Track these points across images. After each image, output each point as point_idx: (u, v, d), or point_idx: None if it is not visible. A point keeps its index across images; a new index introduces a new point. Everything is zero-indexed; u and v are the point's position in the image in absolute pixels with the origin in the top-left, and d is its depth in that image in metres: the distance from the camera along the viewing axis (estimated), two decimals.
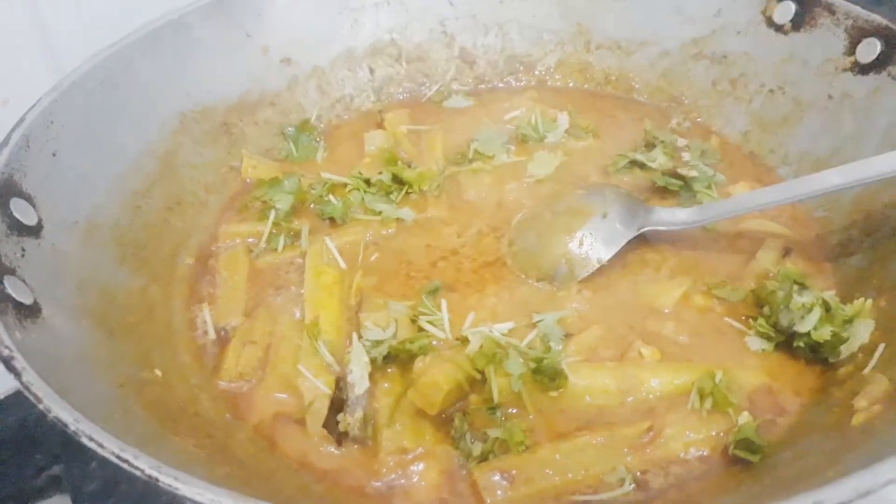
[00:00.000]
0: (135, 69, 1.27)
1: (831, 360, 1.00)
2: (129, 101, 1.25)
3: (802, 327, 1.00)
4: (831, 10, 1.29)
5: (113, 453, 0.64)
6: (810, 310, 1.01)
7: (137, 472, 0.63)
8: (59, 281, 1.00)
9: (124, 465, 0.64)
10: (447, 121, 1.54)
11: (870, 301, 1.01)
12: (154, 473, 0.62)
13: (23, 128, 1.05)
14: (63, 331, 0.93)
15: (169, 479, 0.62)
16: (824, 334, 0.99)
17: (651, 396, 0.99)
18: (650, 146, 1.42)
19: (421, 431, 0.96)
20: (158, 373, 1.00)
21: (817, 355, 1.01)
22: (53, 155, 1.08)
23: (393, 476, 0.92)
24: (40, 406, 0.70)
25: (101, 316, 1.02)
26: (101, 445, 0.65)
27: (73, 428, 0.67)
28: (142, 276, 1.14)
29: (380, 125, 1.54)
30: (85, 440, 0.66)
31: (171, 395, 0.98)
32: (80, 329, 0.97)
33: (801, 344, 1.01)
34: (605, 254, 1.17)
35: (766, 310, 1.07)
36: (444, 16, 1.63)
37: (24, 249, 0.96)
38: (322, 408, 0.98)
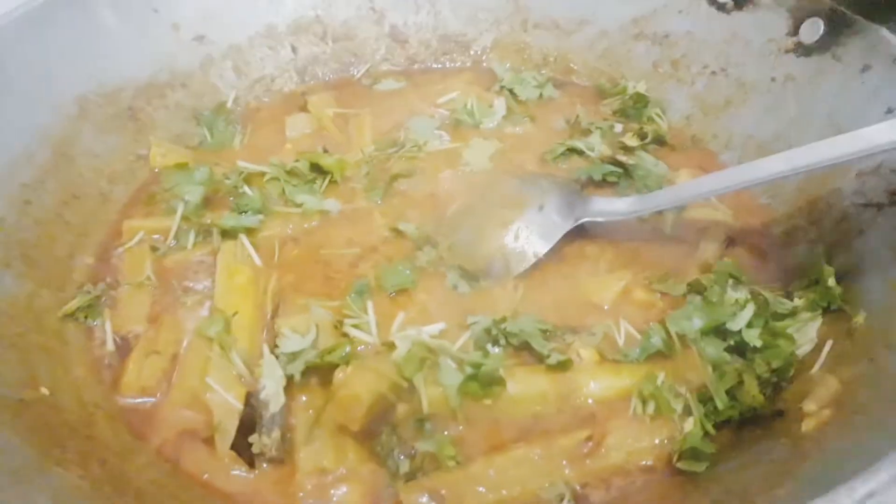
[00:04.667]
0: (23, 46, 1.14)
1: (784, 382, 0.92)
2: (16, 81, 1.12)
3: (734, 325, 0.95)
4: None
5: None
6: (743, 306, 0.96)
7: None
8: None
9: None
10: (377, 104, 1.45)
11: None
12: None
13: None
14: None
15: None
16: (752, 336, 0.93)
17: (590, 401, 0.92)
18: (585, 132, 1.35)
19: (343, 449, 0.87)
20: (45, 391, 0.89)
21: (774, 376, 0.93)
22: None
23: (311, 501, 0.84)
24: None
25: None
26: None
27: None
28: (30, 280, 1.02)
29: (303, 108, 1.43)
30: None
31: (60, 417, 0.87)
32: None
33: (732, 343, 0.95)
34: (542, 247, 1.10)
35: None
36: None
37: None
38: (231, 426, 0.88)
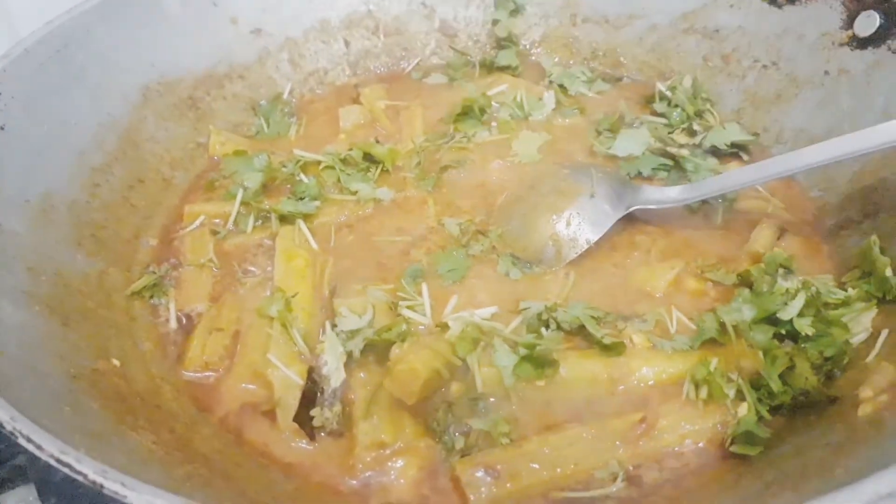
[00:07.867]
0: (93, 38, 1.19)
1: (837, 371, 0.92)
2: (86, 71, 1.17)
3: (784, 315, 0.94)
4: None
5: (52, 456, 0.57)
6: (794, 296, 0.96)
7: (80, 478, 0.56)
8: (8, 264, 0.93)
9: (65, 470, 0.56)
10: (426, 97, 1.47)
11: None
12: (98, 479, 0.55)
13: None
14: (11, 318, 0.86)
15: (115, 485, 0.55)
16: (804, 325, 0.92)
17: (643, 386, 0.93)
18: (629, 126, 1.35)
19: (400, 424, 0.89)
20: (116, 363, 0.93)
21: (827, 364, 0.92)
22: (2, 128, 1.01)
23: (370, 473, 0.86)
24: None
25: (54, 302, 0.94)
26: (39, 447, 0.58)
27: (8, 428, 0.60)
28: (100, 259, 1.07)
29: (356, 100, 1.46)
30: (22, 441, 0.59)
31: (130, 387, 0.91)
32: (30, 316, 0.89)
33: (784, 332, 0.94)
34: (594, 234, 1.11)
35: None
36: None
37: None
38: (294, 400, 0.91)
